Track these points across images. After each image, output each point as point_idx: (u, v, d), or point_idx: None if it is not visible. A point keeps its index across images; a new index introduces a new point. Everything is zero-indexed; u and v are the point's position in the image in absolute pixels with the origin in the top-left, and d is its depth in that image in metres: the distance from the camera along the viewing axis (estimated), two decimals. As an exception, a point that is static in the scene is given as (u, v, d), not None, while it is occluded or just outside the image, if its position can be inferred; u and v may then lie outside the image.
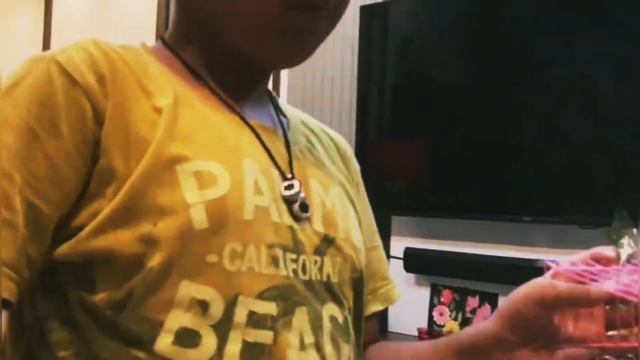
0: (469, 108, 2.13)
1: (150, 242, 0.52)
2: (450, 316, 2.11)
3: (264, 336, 0.55)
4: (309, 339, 0.58)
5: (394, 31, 2.31)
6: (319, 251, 0.62)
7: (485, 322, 0.66)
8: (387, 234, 2.32)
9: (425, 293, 2.19)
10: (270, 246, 0.58)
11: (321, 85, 2.56)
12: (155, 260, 0.52)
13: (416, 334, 2.12)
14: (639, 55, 1.79)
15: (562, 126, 1.94)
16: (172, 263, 0.53)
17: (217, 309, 0.54)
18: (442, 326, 2.12)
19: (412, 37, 2.29)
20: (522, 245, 2.01)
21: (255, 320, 0.55)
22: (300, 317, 0.58)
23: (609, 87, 1.86)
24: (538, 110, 1.99)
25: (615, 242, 1.53)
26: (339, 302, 0.63)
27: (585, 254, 0.67)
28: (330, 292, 0.62)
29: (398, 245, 2.27)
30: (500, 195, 2.07)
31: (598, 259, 0.66)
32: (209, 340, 0.53)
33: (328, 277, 0.63)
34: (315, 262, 0.61)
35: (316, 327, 0.59)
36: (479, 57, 2.14)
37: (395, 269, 2.27)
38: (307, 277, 0.60)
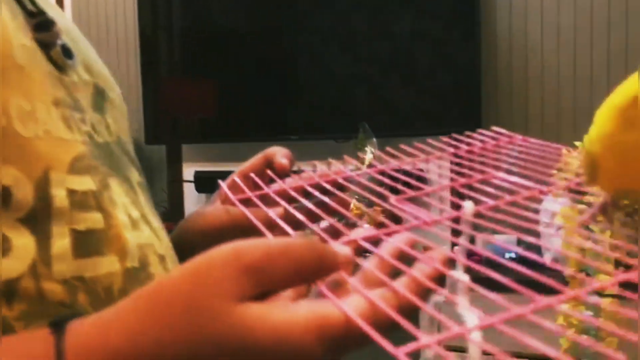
0: (250, 48, 2.41)
1: None
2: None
3: (94, 219, 0.43)
4: (135, 212, 0.48)
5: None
6: (98, 107, 0.50)
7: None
8: (178, 160, 2.57)
9: (216, 209, 2.48)
10: (56, 103, 0.44)
11: (105, 21, 2.67)
12: None
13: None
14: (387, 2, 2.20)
15: (325, 62, 2.30)
16: None
17: (24, 195, 0.39)
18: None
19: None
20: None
21: (78, 202, 0.42)
22: (117, 190, 0.47)
23: (363, 31, 2.22)
24: (307, 49, 2.32)
25: (360, 149, 1.97)
26: (135, 165, 0.54)
27: (255, 160, 0.61)
28: (126, 154, 0.52)
29: (189, 170, 2.54)
30: (273, 121, 2.40)
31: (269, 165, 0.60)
32: (22, 242, 0.38)
33: (118, 136, 0.52)
34: (100, 120, 0.49)
35: (134, 198, 0.49)
36: (258, 3, 2.42)
37: (188, 191, 2.55)
38: (101, 140, 0.48)
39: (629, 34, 2.04)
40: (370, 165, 1.91)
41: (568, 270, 0.42)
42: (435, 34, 2.12)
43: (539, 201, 0.44)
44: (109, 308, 0.35)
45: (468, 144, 0.54)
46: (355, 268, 0.36)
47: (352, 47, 2.25)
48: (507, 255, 1.70)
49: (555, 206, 0.63)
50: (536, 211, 0.46)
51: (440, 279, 0.33)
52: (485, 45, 2.14)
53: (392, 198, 0.44)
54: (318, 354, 0.31)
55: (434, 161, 0.54)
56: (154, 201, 0.56)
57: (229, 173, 0.58)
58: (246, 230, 0.50)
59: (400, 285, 0.33)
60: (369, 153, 1.89)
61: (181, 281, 0.33)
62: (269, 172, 0.58)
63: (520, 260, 0.34)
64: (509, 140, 0.54)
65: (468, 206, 0.40)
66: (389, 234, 0.39)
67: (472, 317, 0.29)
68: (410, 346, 0.27)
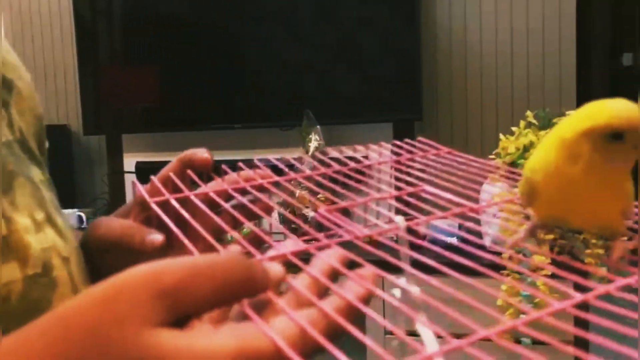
0: (192, 35, 2.37)
1: None
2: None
3: None
4: (39, 214, 0.47)
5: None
6: (2, 102, 0.48)
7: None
8: (119, 151, 2.51)
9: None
10: None
11: (38, 7, 2.58)
12: None
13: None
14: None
15: (269, 49, 2.28)
16: None
17: None
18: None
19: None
20: (237, 149, 2.35)
21: None
22: (21, 191, 0.46)
23: (307, 17, 2.22)
24: (250, 36, 2.29)
25: (305, 137, 1.97)
26: (37, 161, 0.52)
27: (172, 165, 0.53)
28: (28, 152, 0.51)
29: (130, 161, 2.48)
30: (217, 109, 2.37)
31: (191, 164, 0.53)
32: None
33: (21, 133, 0.50)
34: (3, 117, 0.48)
35: (38, 198, 0.48)
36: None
37: (130, 182, 2.49)
38: (3, 140, 0.47)
39: (561, 15, 2.10)
40: (314, 156, 1.92)
41: (506, 252, 0.43)
42: (377, 21, 2.14)
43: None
44: (10, 336, 0.31)
45: (397, 154, 0.54)
46: (282, 285, 0.34)
47: (295, 33, 2.24)
48: (449, 239, 1.74)
49: (494, 190, 0.65)
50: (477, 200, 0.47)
51: (367, 300, 0.32)
52: (425, 33, 2.17)
53: (322, 208, 0.43)
54: None
55: (375, 166, 0.53)
56: (94, 193, 0.54)
57: (222, 163, 0.54)
58: (125, 249, 0.48)
59: (329, 305, 0.31)
60: (313, 141, 1.89)
61: (89, 307, 0.29)
62: (190, 173, 0.52)
63: (462, 242, 0.35)
64: (436, 152, 0.55)
65: (399, 221, 0.39)
66: (319, 249, 0.37)
67: (428, 333, 0.30)
68: None
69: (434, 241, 0.41)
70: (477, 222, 0.43)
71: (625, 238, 0.42)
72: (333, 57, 2.20)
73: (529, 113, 1.65)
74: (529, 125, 1.63)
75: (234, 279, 0.30)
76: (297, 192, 1.68)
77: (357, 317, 0.32)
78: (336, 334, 0.31)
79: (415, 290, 0.33)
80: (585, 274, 0.37)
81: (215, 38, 2.35)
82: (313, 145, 1.88)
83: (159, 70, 2.41)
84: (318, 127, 1.91)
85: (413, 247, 0.39)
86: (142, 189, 0.48)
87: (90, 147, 2.61)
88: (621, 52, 3.73)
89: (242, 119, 2.30)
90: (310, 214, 1.69)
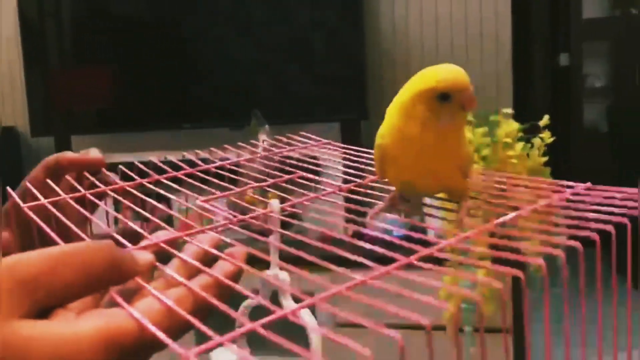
0: (143, 35, 2.37)
1: None
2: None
3: None
4: None
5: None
6: None
7: None
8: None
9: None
10: None
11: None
12: None
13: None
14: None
15: (218, 50, 2.32)
16: None
17: None
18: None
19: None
20: (186, 150, 2.36)
21: None
22: None
23: (261, 18, 2.25)
24: (203, 36, 2.31)
25: (253, 137, 2.00)
26: None
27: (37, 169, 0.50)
28: None
29: (79, 162, 2.47)
30: (165, 110, 2.38)
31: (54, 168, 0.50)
32: None
33: None
34: None
35: None
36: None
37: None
38: None
39: (498, 16, 2.20)
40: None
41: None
42: (325, 21, 2.19)
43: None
44: None
45: (278, 147, 0.58)
46: (156, 274, 0.34)
47: (245, 34, 2.27)
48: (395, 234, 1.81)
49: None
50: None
51: (236, 276, 0.33)
52: (370, 35, 2.24)
53: (199, 199, 0.44)
54: None
55: (257, 160, 0.56)
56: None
57: (122, 164, 0.56)
58: None
59: (196, 284, 0.32)
60: (262, 140, 1.93)
61: None
62: (86, 174, 0.51)
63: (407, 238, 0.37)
64: (318, 144, 0.60)
65: (274, 204, 0.41)
66: (190, 235, 0.38)
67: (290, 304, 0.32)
68: (201, 347, 0.26)
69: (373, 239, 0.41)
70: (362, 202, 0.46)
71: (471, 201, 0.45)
72: (283, 58, 2.25)
73: (467, 112, 1.73)
74: (467, 123, 1.71)
75: (98, 266, 0.31)
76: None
77: (234, 296, 0.33)
78: (207, 311, 0.32)
79: (283, 275, 0.36)
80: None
81: (166, 38, 2.37)
82: (262, 144, 1.92)
83: (108, 70, 2.41)
84: (267, 126, 1.95)
85: (336, 242, 0.38)
86: (15, 195, 0.47)
87: (39, 148, 2.59)
88: (558, 52, 3.88)
89: (192, 119, 2.32)
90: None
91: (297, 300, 0.33)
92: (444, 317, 1.67)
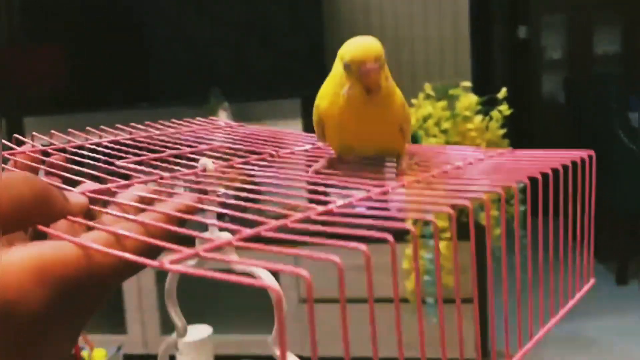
0: (96, 11, 2.31)
1: None
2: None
3: None
4: None
5: None
6: None
7: None
8: (20, 134, 2.42)
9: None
10: None
11: None
12: None
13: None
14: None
15: (175, 26, 2.27)
16: None
17: None
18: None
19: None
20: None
21: None
22: None
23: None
24: (162, 12, 2.27)
25: (213, 114, 1.98)
26: None
27: None
28: None
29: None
30: (122, 89, 2.34)
31: None
32: None
33: None
34: None
35: None
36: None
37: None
38: None
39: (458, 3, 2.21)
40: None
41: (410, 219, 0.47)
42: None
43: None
44: None
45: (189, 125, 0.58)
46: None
47: (203, 10, 2.23)
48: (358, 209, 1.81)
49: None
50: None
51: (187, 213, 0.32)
52: (328, 9, 2.22)
53: (120, 162, 0.43)
54: (40, 297, 0.26)
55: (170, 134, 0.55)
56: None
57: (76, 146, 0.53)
58: None
59: (146, 218, 0.31)
60: (222, 118, 1.90)
61: None
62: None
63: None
64: (227, 124, 0.60)
65: (206, 162, 0.41)
66: (120, 187, 0.36)
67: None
68: (176, 255, 0.25)
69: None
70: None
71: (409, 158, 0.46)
72: (241, 34, 2.21)
73: (427, 85, 1.74)
74: (427, 97, 1.72)
75: (26, 198, 0.29)
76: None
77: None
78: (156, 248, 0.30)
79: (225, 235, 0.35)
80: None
81: (122, 14, 2.31)
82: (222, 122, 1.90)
83: (62, 48, 2.34)
84: (226, 103, 1.92)
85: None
86: None
87: (-10, 131, 2.51)
88: (517, 25, 3.92)
89: (149, 97, 2.28)
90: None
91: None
92: (407, 291, 1.69)
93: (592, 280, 0.40)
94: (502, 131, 1.64)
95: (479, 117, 1.63)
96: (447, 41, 2.21)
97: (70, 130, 0.51)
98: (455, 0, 2.20)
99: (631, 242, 2.76)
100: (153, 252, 0.29)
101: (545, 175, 0.37)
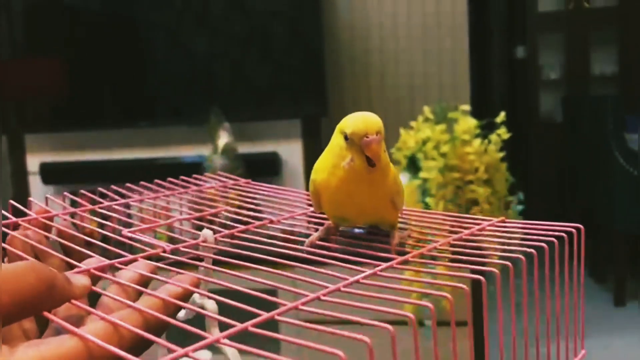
0: (98, 29, 2.32)
1: None
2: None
3: None
4: None
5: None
6: None
7: None
8: (22, 151, 2.44)
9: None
10: None
11: None
12: None
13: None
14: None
15: (176, 45, 2.28)
16: None
17: None
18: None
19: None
20: (144, 148, 2.33)
21: None
22: None
23: (220, 11, 2.22)
24: (161, 30, 2.27)
25: (213, 134, 1.99)
26: None
27: None
28: None
29: (34, 161, 2.41)
30: (122, 107, 2.34)
31: None
32: None
33: None
34: None
35: None
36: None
37: (34, 183, 2.43)
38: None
39: (455, 13, 2.22)
40: (225, 150, 1.94)
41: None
42: (284, 16, 2.18)
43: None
44: None
45: (197, 185, 0.60)
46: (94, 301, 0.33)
47: (204, 28, 2.24)
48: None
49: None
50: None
51: (184, 299, 0.33)
52: (329, 31, 2.24)
53: (125, 230, 0.44)
54: None
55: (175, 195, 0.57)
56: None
57: (77, 163, 0.54)
58: None
59: (144, 304, 0.32)
60: (222, 138, 1.91)
61: None
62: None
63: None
64: (234, 183, 0.62)
65: (207, 233, 0.42)
66: (124, 263, 0.37)
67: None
68: (165, 358, 0.26)
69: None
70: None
71: (403, 230, 0.48)
72: (241, 53, 2.23)
73: (425, 108, 1.75)
74: (426, 120, 1.73)
75: (30, 288, 0.29)
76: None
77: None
78: (158, 331, 0.31)
79: (210, 304, 0.37)
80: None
81: (121, 31, 2.32)
82: (222, 142, 1.90)
83: (63, 67, 2.35)
84: (227, 123, 1.93)
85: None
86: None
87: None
88: (515, 45, 3.95)
89: (149, 116, 2.29)
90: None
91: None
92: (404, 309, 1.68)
93: (583, 352, 0.41)
94: (500, 154, 1.65)
95: (477, 141, 1.64)
96: (446, 60, 2.23)
97: (82, 191, 0.54)
98: (453, 22, 2.22)
99: (629, 264, 2.77)
100: (150, 341, 0.30)
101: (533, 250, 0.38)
